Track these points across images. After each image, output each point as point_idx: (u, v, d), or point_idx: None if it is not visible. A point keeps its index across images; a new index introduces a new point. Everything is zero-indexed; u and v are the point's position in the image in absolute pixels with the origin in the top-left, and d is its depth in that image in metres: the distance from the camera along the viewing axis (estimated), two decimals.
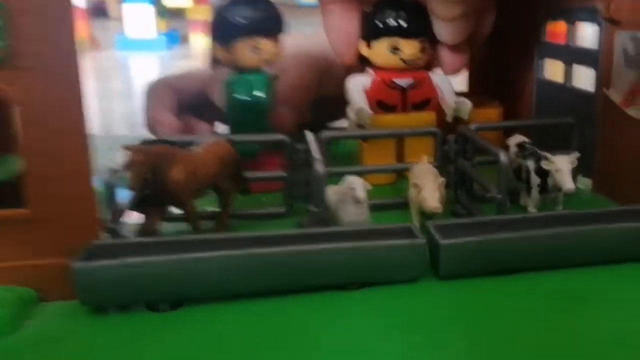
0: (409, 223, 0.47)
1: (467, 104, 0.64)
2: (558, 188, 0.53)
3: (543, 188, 0.53)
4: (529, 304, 0.42)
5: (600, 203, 0.60)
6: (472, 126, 0.59)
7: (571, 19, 0.67)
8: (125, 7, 2.98)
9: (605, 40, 0.60)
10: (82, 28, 2.69)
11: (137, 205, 0.49)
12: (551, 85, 0.71)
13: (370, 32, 0.63)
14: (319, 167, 0.48)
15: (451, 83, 0.66)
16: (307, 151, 0.54)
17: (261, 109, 0.60)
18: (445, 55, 0.64)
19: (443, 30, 0.62)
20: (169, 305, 0.41)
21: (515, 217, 0.49)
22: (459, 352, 0.37)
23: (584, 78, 0.65)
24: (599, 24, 0.61)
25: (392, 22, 0.62)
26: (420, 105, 0.65)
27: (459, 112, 0.64)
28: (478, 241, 0.45)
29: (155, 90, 0.76)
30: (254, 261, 0.41)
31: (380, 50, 0.63)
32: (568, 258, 0.46)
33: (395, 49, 0.63)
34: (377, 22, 0.62)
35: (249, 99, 0.60)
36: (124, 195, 0.49)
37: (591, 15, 0.62)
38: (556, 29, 0.73)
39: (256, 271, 0.42)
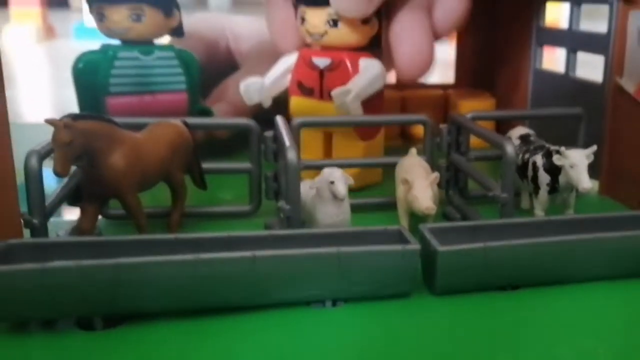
0: (398, 225, 0.41)
1: (348, 94, 0.52)
2: (570, 187, 0.45)
3: (553, 188, 0.46)
4: (539, 327, 0.36)
5: (609, 207, 0.54)
6: (469, 115, 0.51)
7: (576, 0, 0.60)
8: None
9: (617, 21, 0.54)
10: (37, 16, 2.60)
11: (69, 197, 0.43)
12: (550, 75, 0.65)
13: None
14: (292, 156, 0.41)
15: (374, 72, 0.54)
16: (277, 139, 0.47)
17: None
18: (399, 49, 0.54)
19: None
20: (103, 322, 0.35)
21: (523, 222, 0.43)
22: None
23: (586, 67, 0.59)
24: (610, 4, 0.54)
25: None
26: None
27: (343, 106, 0.52)
28: (484, 248, 0.38)
29: None
30: (206, 269, 0.35)
31: (297, 23, 0.56)
32: (585, 270, 0.40)
33: (302, 19, 0.55)
34: None
35: None
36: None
37: None
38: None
39: (209, 281, 0.35)
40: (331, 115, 0.54)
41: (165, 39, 0.61)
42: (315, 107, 0.56)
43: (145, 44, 0.57)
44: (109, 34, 0.57)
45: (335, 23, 0.53)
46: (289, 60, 0.57)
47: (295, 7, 0.56)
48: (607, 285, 0.40)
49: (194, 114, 0.59)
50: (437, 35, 0.55)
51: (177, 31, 0.59)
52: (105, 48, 0.57)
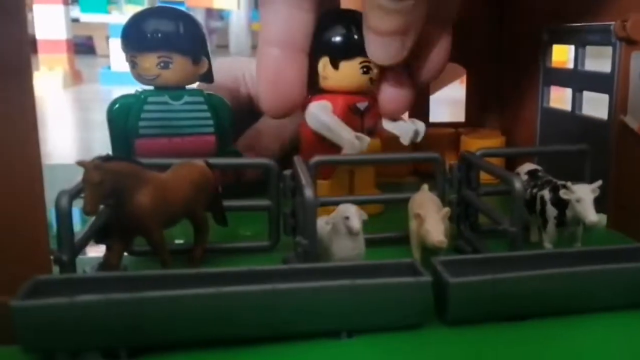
0: (411, 259, 0.42)
1: (421, 125, 0.59)
2: (577, 221, 0.47)
3: (560, 221, 0.47)
4: (548, 358, 0.37)
5: (617, 240, 0.55)
6: (478, 152, 0.53)
7: (580, 42, 0.62)
8: (112, 42, 2.96)
9: (620, 62, 0.55)
10: (65, 62, 2.67)
11: (97, 234, 0.44)
12: (557, 113, 0.66)
13: (342, 51, 0.57)
14: (309, 194, 0.42)
15: None
16: (295, 178, 0.48)
17: None
18: (384, 91, 0.58)
19: (374, 46, 0.53)
20: (127, 353, 0.36)
21: (532, 254, 0.44)
22: None
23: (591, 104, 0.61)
24: (613, 46, 0.56)
25: None
26: (372, 131, 0.60)
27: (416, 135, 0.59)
28: (493, 280, 0.39)
29: None
30: (228, 302, 0.36)
31: (350, 71, 0.57)
32: (593, 301, 0.41)
33: (368, 68, 0.57)
34: (354, 38, 0.56)
35: None
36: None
37: (603, 36, 0.57)
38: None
39: (231, 314, 0.36)
40: (377, 149, 0.60)
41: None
42: None
43: (176, 89, 0.60)
44: (141, 80, 0.59)
45: (368, 70, 0.57)
46: (328, 109, 0.58)
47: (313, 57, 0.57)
48: (614, 316, 0.41)
49: (223, 156, 0.61)
50: (418, 81, 0.59)
51: (206, 77, 0.62)
52: (139, 92, 0.60)
